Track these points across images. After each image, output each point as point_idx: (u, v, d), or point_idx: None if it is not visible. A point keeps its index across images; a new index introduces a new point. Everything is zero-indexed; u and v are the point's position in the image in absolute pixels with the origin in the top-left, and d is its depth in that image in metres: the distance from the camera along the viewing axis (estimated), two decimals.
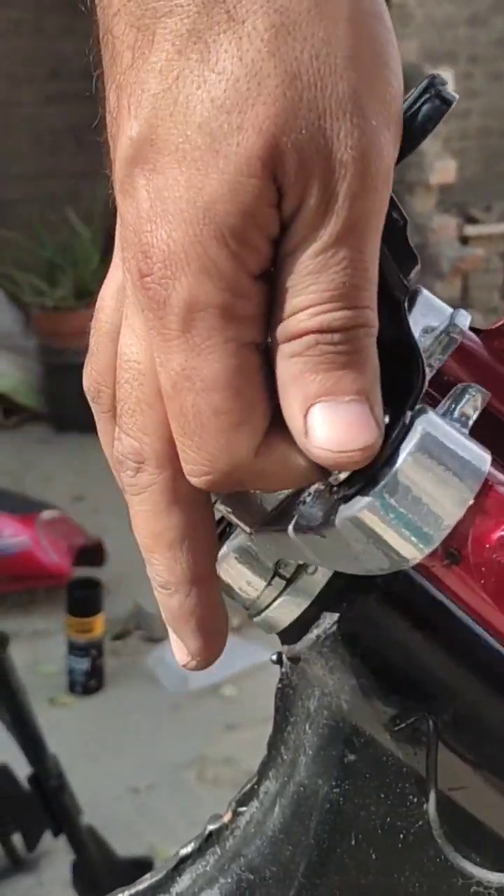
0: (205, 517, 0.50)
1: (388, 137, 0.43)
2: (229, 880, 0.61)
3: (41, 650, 3.59)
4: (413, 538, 0.45)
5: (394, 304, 0.47)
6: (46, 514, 3.83)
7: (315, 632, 0.56)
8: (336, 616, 0.56)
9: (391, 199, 0.57)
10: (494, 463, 0.48)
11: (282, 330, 0.43)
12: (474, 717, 0.57)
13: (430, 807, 0.56)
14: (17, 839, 2.56)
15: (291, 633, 0.58)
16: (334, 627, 0.56)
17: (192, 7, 0.40)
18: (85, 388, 0.52)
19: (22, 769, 2.39)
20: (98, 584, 3.48)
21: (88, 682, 3.44)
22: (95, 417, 0.52)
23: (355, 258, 0.43)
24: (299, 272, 0.43)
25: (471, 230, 5.74)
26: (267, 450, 0.45)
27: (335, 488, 0.47)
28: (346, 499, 0.46)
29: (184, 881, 0.63)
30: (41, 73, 5.58)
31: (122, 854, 2.40)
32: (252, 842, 0.61)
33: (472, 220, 5.89)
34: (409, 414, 0.46)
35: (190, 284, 0.42)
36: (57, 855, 2.57)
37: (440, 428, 0.46)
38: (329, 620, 0.56)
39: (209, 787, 2.92)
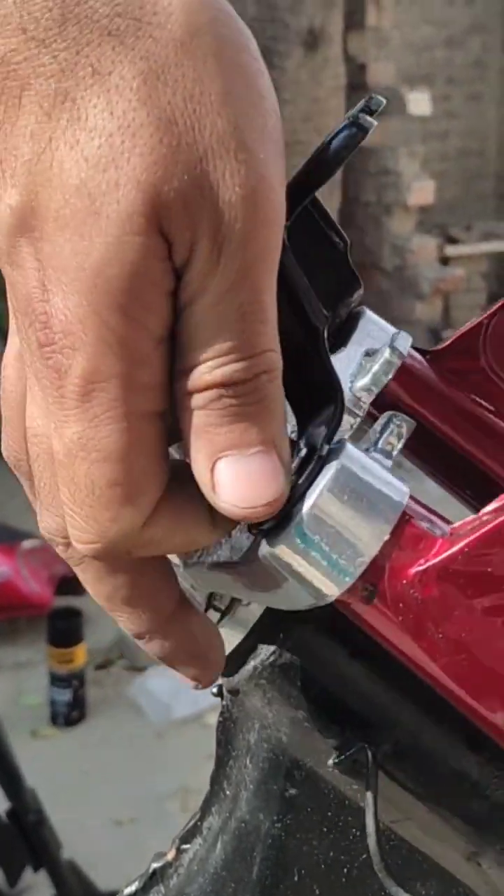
0: (154, 567, 0.48)
1: (277, 169, 0.41)
2: None
3: (23, 681, 3.57)
4: (332, 572, 0.45)
5: (312, 333, 0.46)
6: (27, 544, 3.82)
7: (252, 663, 0.55)
8: (273, 647, 0.55)
9: (330, 221, 0.56)
10: (420, 495, 0.47)
11: (184, 382, 0.42)
12: (415, 747, 0.55)
13: (371, 839, 0.55)
14: None
15: (229, 665, 0.57)
16: (271, 658, 0.55)
17: (54, 66, 0.39)
18: (5, 457, 0.51)
19: (0, 803, 2.37)
20: (79, 613, 3.46)
21: (71, 714, 3.42)
22: (23, 484, 0.50)
23: (252, 302, 0.41)
24: (196, 324, 0.41)
25: (451, 250, 5.76)
26: (156, 519, 0.44)
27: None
28: (265, 533, 0.45)
29: None
30: None
31: (104, 888, 2.38)
32: (195, 880, 0.60)
33: (452, 241, 5.91)
34: (325, 447, 0.45)
35: (90, 355, 0.40)
36: (38, 890, 2.55)
37: (357, 461, 0.45)
38: (266, 652, 0.55)
39: None
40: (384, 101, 0.54)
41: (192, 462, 0.43)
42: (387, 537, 0.45)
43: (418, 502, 0.48)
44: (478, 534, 0.47)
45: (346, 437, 0.55)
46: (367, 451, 0.47)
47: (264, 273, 0.41)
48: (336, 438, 0.46)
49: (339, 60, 5.19)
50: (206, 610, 0.55)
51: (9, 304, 0.44)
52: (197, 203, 0.39)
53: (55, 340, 0.41)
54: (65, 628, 3.42)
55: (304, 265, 0.48)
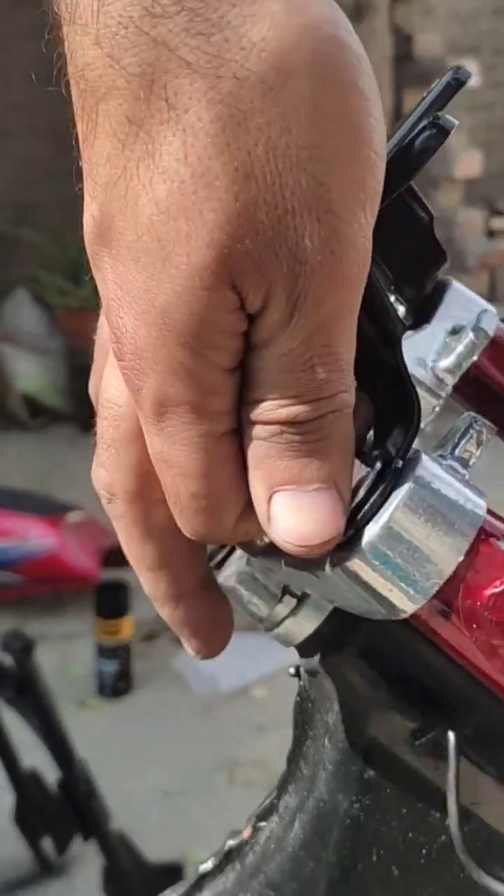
0: (182, 543, 0.48)
1: (364, 221, 0.38)
2: None
3: (70, 653, 3.59)
4: (407, 589, 0.44)
5: (390, 342, 0.45)
6: (73, 516, 3.82)
7: (332, 645, 0.55)
8: (351, 630, 0.55)
9: (415, 194, 0.54)
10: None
11: (249, 410, 0.41)
12: (496, 731, 0.55)
13: (452, 822, 0.55)
14: (47, 844, 2.56)
15: (308, 647, 0.57)
16: (353, 639, 0.55)
17: (128, 91, 0.36)
18: (90, 392, 0.51)
19: (51, 774, 2.39)
20: (125, 585, 3.47)
21: (117, 685, 3.43)
22: None
23: (324, 355, 0.40)
24: (266, 368, 0.40)
25: (498, 223, 5.70)
26: (248, 519, 0.44)
27: None
28: (338, 546, 0.44)
29: None
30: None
31: (153, 859, 2.39)
32: (272, 858, 0.60)
33: (499, 213, 5.85)
34: (400, 462, 0.44)
35: (159, 382, 0.40)
36: (87, 859, 2.56)
37: (434, 475, 0.44)
38: (345, 634, 0.55)
39: (240, 790, 2.91)
40: (471, 73, 0.53)
41: (252, 490, 0.43)
42: (462, 558, 0.44)
43: (495, 515, 0.46)
44: None
45: (429, 420, 0.54)
46: (442, 457, 0.46)
47: (341, 329, 0.40)
48: (421, 424, 0.45)
49: (386, 32, 5.15)
50: (282, 595, 0.55)
51: None
52: (271, 264, 0.37)
53: (125, 358, 0.41)
54: (111, 600, 3.44)
55: (389, 240, 0.47)
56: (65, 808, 2.35)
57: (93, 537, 3.78)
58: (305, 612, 0.55)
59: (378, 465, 0.45)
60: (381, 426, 0.46)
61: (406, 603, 0.44)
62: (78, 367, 5.11)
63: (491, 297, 5.30)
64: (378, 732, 0.57)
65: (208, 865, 0.62)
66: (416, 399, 0.44)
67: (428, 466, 0.44)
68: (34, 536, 3.72)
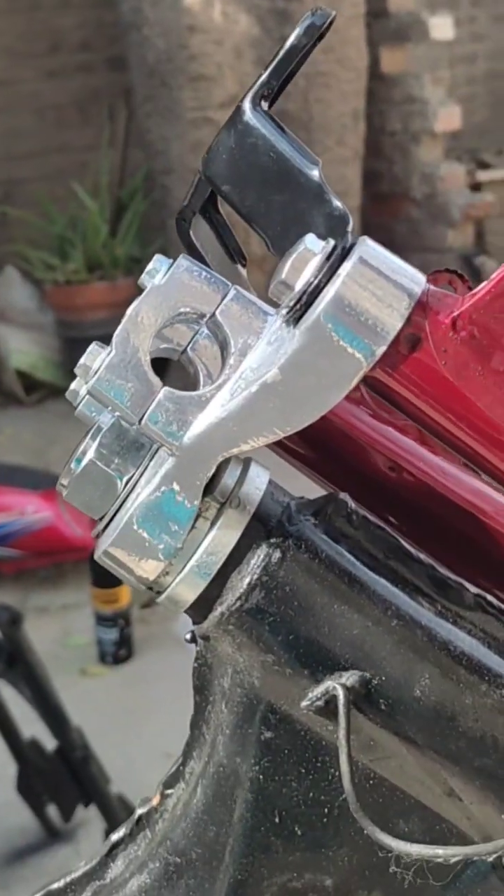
0: None
1: None
2: (158, 864, 0.61)
3: (71, 623, 3.61)
4: (388, 308, 0.53)
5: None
6: None
7: (219, 609, 0.56)
8: (239, 591, 0.55)
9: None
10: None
11: None
12: (388, 683, 0.56)
13: (345, 779, 0.56)
14: (52, 811, 2.58)
15: (197, 612, 0.58)
16: (237, 603, 0.56)
17: None
18: None
19: (51, 743, 2.41)
20: None
21: (118, 652, 3.45)
22: None
23: None
24: None
25: (483, 175, 5.67)
26: None
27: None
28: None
29: (117, 867, 0.63)
30: (40, 49, 5.54)
31: None
32: (178, 824, 0.61)
33: (484, 166, 5.82)
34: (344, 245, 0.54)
35: None
36: (93, 824, 2.59)
37: (375, 250, 0.54)
38: (232, 597, 0.56)
39: None
40: (330, 13, 0.57)
41: None
42: (426, 284, 0.54)
43: None
44: (499, 276, 0.53)
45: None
46: None
47: None
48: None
49: None
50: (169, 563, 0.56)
51: None
52: None
53: None
54: (107, 570, 3.44)
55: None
56: (65, 776, 2.37)
57: None
58: (190, 578, 0.56)
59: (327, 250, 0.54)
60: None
61: (394, 317, 0.53)
62: (69, 340, 5.11)
63: (478, 249, 5.28)
64: (271, 694, 0.58)
65: (119, 835, 0.63)
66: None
67: (370, 244, 0.53)
68: (31, 511, 3.73)
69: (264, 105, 0.58)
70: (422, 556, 0.59)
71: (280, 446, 0.67)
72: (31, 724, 2.43)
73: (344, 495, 0.59)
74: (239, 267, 0.67)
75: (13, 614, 2.23)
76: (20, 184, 5.54)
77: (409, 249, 5.02)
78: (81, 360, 0.57)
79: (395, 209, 5.31)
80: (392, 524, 0.67)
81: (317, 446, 0.67)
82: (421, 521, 0.68)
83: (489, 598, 0.59)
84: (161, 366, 0.58)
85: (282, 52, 0.57)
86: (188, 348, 0.57)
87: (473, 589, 0.59)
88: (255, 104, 0.58)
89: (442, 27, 5.18)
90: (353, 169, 5.05)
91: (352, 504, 0.58)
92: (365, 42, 4.99)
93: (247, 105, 0.58)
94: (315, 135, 4.80)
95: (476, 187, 5.49)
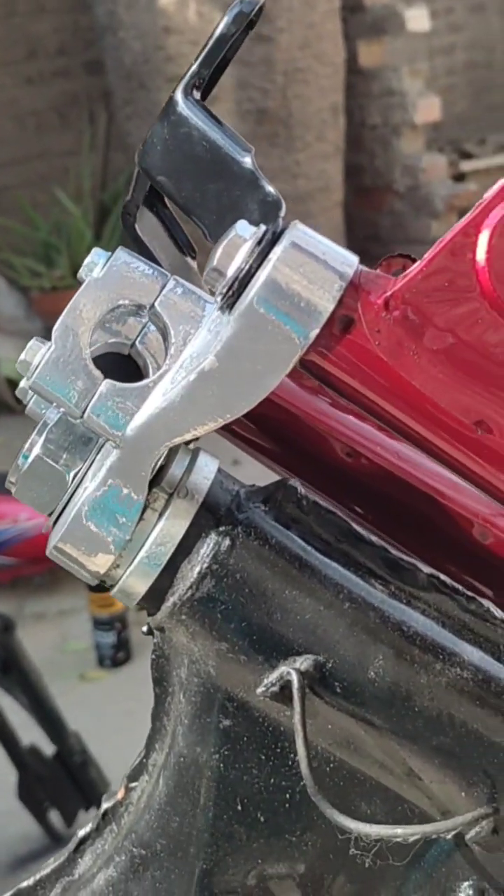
0: None
1: None
2: (124, 857, 0.61)
3: (68, 628, 3.61)
4: (320, 290, 0.53)
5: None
6: None
7: (171, 599, 0.56)
8: (190, 581, 0.56)
9: None
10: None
11: None
12: (342, 666, 0.56)
13: (303, 763, 0.56)
14: (55, 817, 2.58)
15: (150, 604, 0.58)
16: (189, 593, 0.56)
17: None
18: None
19: (49, 749, 2.41)
20: None
21: (116, 655, 3.45)
22: None
23: None
24: None
25: (466, 165, 5.67)
26: None
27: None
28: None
29: (85, 862, 0.63)
30: (17, 55, 5.53)
31: None
32: (142, 817, 0.61)
33: (467, 156, 5.82)
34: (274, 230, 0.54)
35: None
36: None
37: (306, 234, 0.55)
38: (183, 586, 0.56)
39: None
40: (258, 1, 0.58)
41: None
42: (358, 266, 0.55)
43: None
44: (430, 256, 0.54)
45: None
46: None
47: None
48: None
49: None
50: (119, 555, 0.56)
51: None
52: None
53: None
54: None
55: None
56: (64, 780, 2.37)
57: None
58: (140, 569, 0.56)
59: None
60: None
61: (326, 298, 0.54)
62: None
63: None
64: (228, 683, 0.58)
65: (86, 831, 0.63)
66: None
67: (301, 228, 0.54)
68: (24, 518, 3.73)
69: (196, 95, 0.58)
70: (374, 538, 0.59)
71: (238, 437, 0.67)
72: (29, 731, 2.43)
73: (294, 481, 0.59)
74: (189, 259, 0.67)
75: (6, 621, 2.23)
76: (2, 191, 5.53)
77: (393, 242, 5.03)
78: (21, 357, 0.57)
79: (379, 202, 5.31)
80: (352, 510, 0.67)
81: (274, 436, 0.67)
82: (380, 506, 0.68)
83: (442, 577, 0.59)
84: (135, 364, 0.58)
85: (211, 42, 0.57)
86: (136, 341, 0.58)
87: (427, 569, 0.59)
88: (188, 94, 0.58)
89: (418, 19, 5.18)
90: (335, 164, 5.05)
91: (301, 489, 0.59)
92: (342, 37, 4.99)
93: (179, 95, 0.58)
94: (295, 131, 4.80)
95: (459, 178, 5.49)
